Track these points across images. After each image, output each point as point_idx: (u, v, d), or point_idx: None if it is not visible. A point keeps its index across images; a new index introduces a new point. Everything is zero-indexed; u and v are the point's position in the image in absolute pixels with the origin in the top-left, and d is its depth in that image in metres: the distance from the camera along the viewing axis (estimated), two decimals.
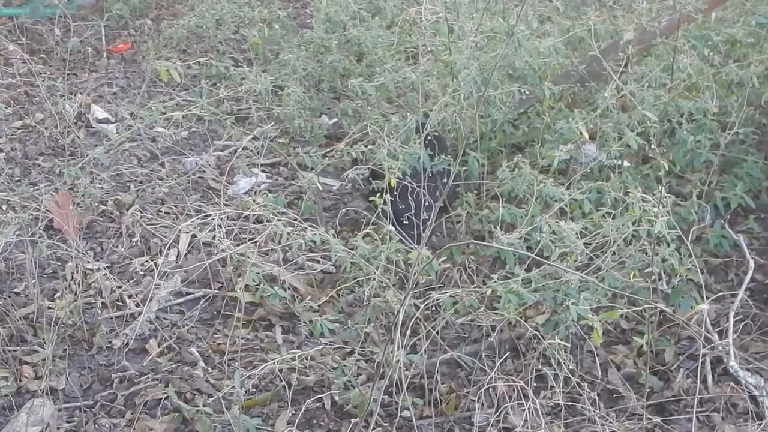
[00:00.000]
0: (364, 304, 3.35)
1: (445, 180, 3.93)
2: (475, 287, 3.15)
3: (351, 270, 3.24)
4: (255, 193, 4.17)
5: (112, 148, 4.82)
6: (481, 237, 3.97)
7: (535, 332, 3.08)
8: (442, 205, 3.31)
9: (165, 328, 3.73)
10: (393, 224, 3.37)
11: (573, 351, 3.42)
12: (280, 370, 3.27)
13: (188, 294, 3.99)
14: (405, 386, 2.89)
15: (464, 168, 4.15)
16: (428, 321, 3.23)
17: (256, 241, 3.03)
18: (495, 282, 3.07)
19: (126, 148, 5.13)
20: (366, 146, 3.82)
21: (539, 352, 3.20)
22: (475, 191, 4.27)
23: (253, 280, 2.96)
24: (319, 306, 3.77)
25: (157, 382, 3.46)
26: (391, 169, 3.55)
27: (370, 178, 3.89)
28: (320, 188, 3.93)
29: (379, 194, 3.44)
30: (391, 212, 3.39)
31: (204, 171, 4.91)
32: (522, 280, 3.11)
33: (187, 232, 3.90)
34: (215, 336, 3.74)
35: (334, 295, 3.89)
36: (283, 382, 3.31)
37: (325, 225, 4.12)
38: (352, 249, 3.27)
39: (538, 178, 3.64)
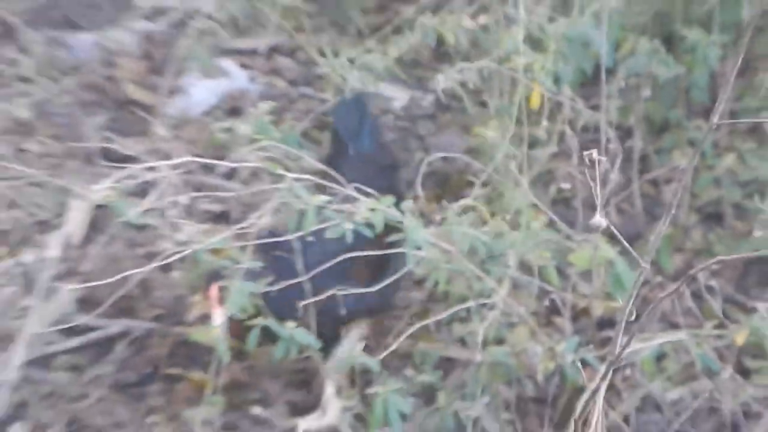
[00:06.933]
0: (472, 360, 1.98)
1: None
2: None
3: (447, 286, 1.92)
4: (227, 112, 2.68)
5: None
6: None
7: None
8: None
9: (41, 401, 2.04)
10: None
11: None
12: None
13: (90, 330, 2.21)
14: None
15: None
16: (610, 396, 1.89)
17: (240, 224, 1.85)
18: None
19: None
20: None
21: None
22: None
23: (242, 309, 1.79)
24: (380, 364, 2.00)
25: None
26: None
27: None
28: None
29: None
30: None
31: (115, 64, 2.81)
32: None
33: (88, 201, 2.25)
34: (147, 422, 2.02)
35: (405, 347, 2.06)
36: None
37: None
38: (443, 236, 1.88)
39: None
